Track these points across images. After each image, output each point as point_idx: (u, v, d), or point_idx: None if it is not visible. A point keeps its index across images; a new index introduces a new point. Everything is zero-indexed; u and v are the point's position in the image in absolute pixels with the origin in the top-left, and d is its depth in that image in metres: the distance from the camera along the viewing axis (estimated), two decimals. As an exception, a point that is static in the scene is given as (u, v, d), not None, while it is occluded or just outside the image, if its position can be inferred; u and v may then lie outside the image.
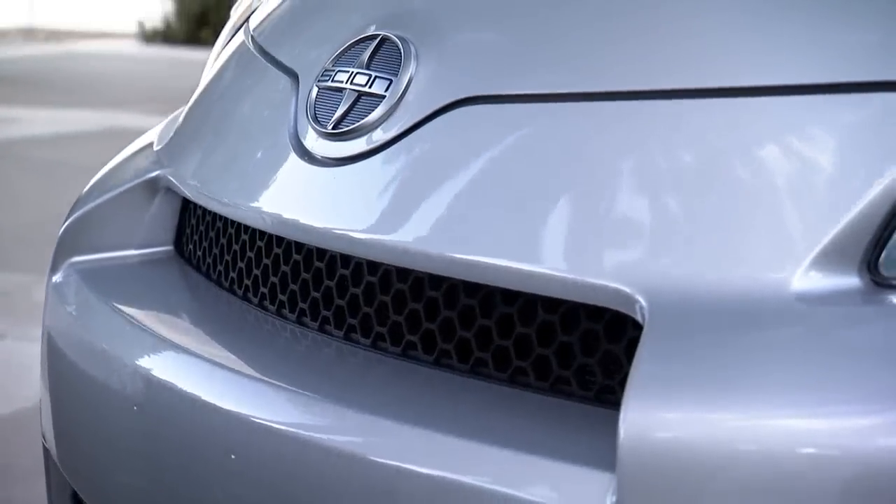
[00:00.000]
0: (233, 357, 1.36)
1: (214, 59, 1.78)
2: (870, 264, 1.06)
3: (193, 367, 1.36)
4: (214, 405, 1.29)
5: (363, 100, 1.35)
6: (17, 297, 4.06)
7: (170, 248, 1.68)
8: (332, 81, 1.39)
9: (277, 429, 1.24)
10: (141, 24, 15.74)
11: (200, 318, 1.50)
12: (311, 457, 1.20)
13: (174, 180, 1.60)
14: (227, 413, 1.27)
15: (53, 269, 1.68)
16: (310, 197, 1.36)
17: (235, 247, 1.50)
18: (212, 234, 1.56)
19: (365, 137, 1.33)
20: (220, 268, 1.53)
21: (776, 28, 1.16)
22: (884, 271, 1.06)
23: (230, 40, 1.76)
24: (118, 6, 16.32)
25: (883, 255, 1.06)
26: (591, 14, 1.28)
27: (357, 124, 1.33)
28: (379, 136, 1.32)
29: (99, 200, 1.68)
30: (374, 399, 1.23)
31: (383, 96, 1.33)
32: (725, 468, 1.00)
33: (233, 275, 1.50)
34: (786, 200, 1.09)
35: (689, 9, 1.23)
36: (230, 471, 1.26)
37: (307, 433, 1.22)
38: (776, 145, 1.12)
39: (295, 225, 1.36)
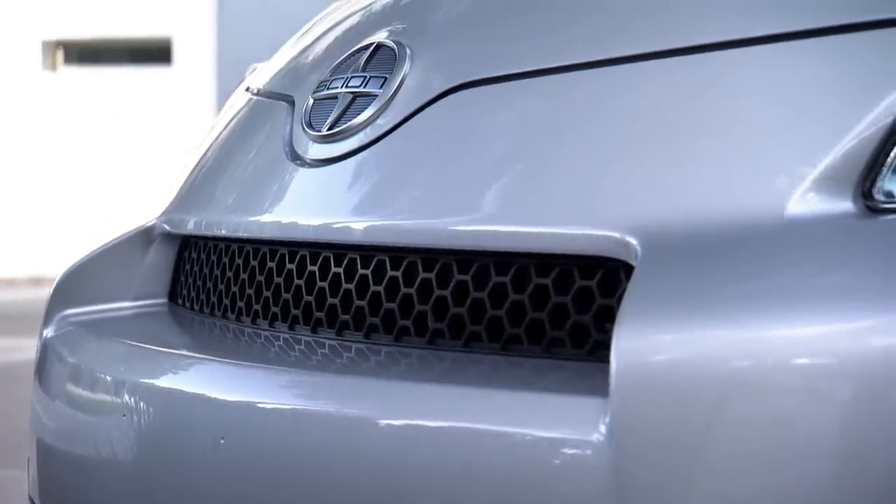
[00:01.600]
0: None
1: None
2: (864, 190, 1.05)
3: (193, 421, 1.32)
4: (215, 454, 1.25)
5: (358, 101, 1.36)
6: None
7: (164, 300, 1.67)
8: (327, 90, 1.41)
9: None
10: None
11: (200, 364, 1.47)
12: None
13: (168, 226, 1.60)
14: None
15: (46, 322, 1.67)
16: (305, 198, 1.37)
17: (243, 275, 1.47)
18: (216, 271, 1.54)
19: (360, 134, 1.34)
20: (226, 301, 1.50)
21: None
22: (877, 197, 1.05)
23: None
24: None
25: (877, 181, 1.05)
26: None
27: (351, 123, 1.35)
28: (373, 130, 1.33)
29: (93, 253, 1.68)
30: (383, 372, 1.22)
31: (377, 94, 1.34)
32: (717, 384, 0.99)
33: (240, 304, 1.47)
34: (781, 132, 1.10)
35: None
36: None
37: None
38: (768, 86, 1.13)
39: (292, 227, 1.36)
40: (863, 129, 1.06)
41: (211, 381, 1.31)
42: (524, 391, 1.10)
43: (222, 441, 1.25)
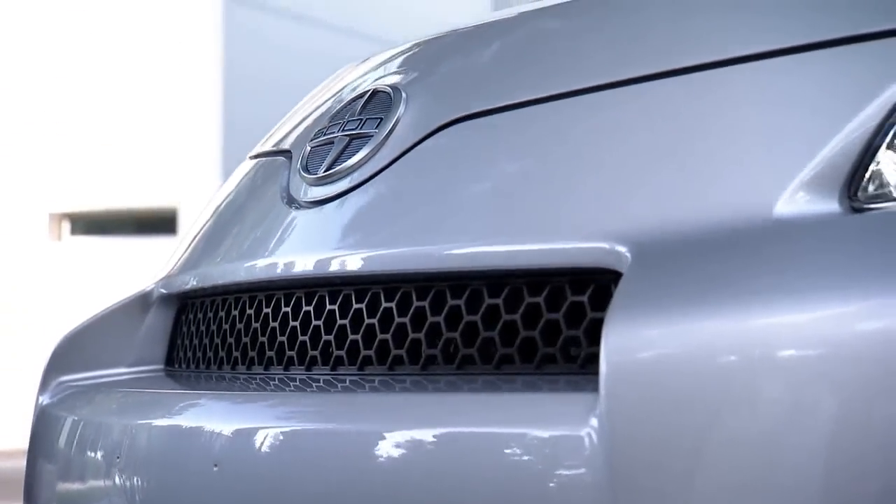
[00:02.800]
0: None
1: None
2: (850, 193, 1.07)
3: (189, 451, 1.33)
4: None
5: (354, 143, 1.39)
6: None
7: (161, 366, 1.67)
8: (325, 136, 1.43)
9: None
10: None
11: (192, 399, 1.48)
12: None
13: (165, 289, 1.62)
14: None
15: (42, 389, 1.67)
16: (300, 240, 1.39)
17: (239, 325, 1.48)
18: (213, 326, 1.54)
19: (356, 173, 1.36)
20: (222, 354, 1.50)
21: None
22: (862, 198, 1.07)
23: None
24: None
25: (861, 184, 1.07)
26: (551, 34, 1.36)
27: (346, 163, 1.37)
28: (370, 167, 1.35)
29: (91, 319, 1.69)
30: (378, 392, 1.23)
31: (373, 134, 1.37)
32: (705, 375, 0.99)
33: (236, 353, 1.47)
34: (768, 140, 1.12)
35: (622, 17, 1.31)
36: None
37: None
38: (753, 98, 1.16)
39: (288, 268, 1.37)
40: (847, 135, 1.08)
41: (203, 413, 1.31)
42: (519, 393, 1.10)
43: (216, 468, 1.24)
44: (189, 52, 13.30)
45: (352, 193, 1.35)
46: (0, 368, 13.46)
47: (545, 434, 1.05)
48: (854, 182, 1.08)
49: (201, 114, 12.99)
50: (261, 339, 1.43)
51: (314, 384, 1.32)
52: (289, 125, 1.65)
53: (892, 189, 1.07)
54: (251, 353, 1.45)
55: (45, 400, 1.66)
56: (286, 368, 1.39)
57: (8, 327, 13.63)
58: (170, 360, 1.67)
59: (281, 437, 1.22)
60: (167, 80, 13.40)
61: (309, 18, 12.86)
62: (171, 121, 13.35)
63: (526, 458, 1.06)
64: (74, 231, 14.04)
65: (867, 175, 1.08)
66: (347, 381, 1.29)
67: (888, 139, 1.08)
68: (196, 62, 13.27)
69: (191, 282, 1.56)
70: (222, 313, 1.52)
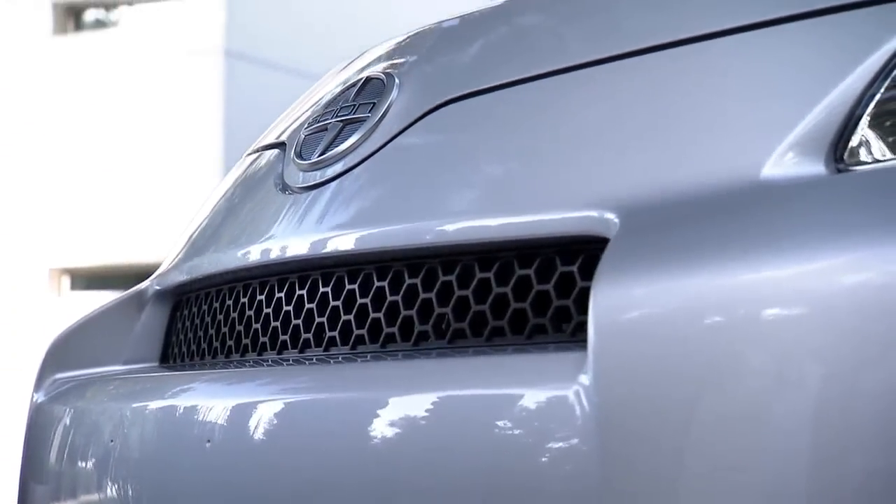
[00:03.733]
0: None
1: None
2: (836, 155, 1.08)
3: (182, 429, 1.34)
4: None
5: (347, 128, 1.40)
6: None
7: (155, 364, 1.68)
8: (318, 123, 1.45)
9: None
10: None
11: (183, 378, 1.48)
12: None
13: (159, 285, 1.63)
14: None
15: (38, 386, 1.67)
16: (294, 224, 1.40)
17: (233, 314, 1.49)
18: (207, 318, 1.55)
19: (349, 156, 1.38)
20: (216, 344, 1.51)
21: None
22: (847, 161, 1.08)
23: None
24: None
25: (847, 147, 1.09)
26: (537, 16, 1.39)
27: (340, 147, 1.38)
28: (363, 150, 1.37)
29: (86, 317, 1.70)
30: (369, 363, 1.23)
31: (366, 118, 1.38)
32: (692, 330, 1.00)
33: (230, 342, 1.48)
34: (755, 103, 1.13)
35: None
36: None
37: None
38: (741, 65, 1.17)
39: (281, 252, 1.38)
40: (832, 101, 1.10)
41: (194, 393, 1.32)
42: (508, 355, 1.11)
43: (208, 444, 1.25)
44: (190, 107, 13.36)
45: (345, 176, 1.37)
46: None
47: (535, 392, 1.06)
48: (839, 146, 1.09)
49: (201, 167, 13.03)
50: (254, 325, 1.44)
51: (306, 363, 1.33)
52: (284, 121, 1.66)
53: (874, 151, 1.08)
54: (245, 341, 1.45)
55: (40, 397, 1.66)
56: (279, 353, 1.40)
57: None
58: (165, 358, 1.68)
59: (272, 410, 1.23)
60: (167, 136, 13.45)
61: (307, 73, 12.93)
62: (171, 176, 13.39)
63: (517, 418, 1.06)
64: (74, 286, 14.06)
65: (852, 138, 1.09)
66: (340, 359, 1.30)
67: (872, 105, 1.09)
68: (196, 117, 13.33)
69: (185, 275, 1.57)
70: (216, 304, 1.53)
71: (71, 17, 14.59)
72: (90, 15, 14.72)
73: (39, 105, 14.05)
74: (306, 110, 1.58)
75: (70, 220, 13.78)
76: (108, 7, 14.64)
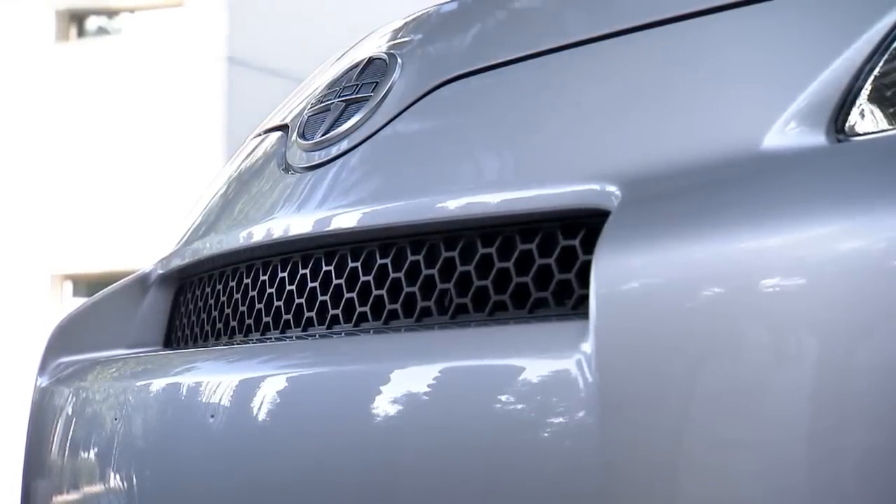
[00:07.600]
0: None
1: None
2: (836, 126, 1.09)
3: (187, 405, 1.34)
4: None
5: (350, 108, 1.41)
6: None
7: (159, 347, 1.68)
8: (321, 104, 1.45)
9: None
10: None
11: (187, 357, 1.49)
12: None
13: (162, 268, 1.63)
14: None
15: (41, 371, 1.68)
16: (297, 203, 1.40)
17: (236, 295, 1.50)
18: (210, 300, 1.56)
19: (353, 135, 1.39)
20: (219, 326, 1.52)
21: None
22: (847, 131, 1.09)
23: None
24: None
25: (847, 118, 1.09)
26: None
27: (343, 127, 1.39)
28: (366, 129, 1.38)
29: (90, 301, 1.70)
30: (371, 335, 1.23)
31: (368, 97, 1.39)
32: (692, 297, 1.01)
33: (233, 323, 1.49)
34: (756, 75, 1.14)
35: None
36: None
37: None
38: (743, 37, 1.18)
39: (284, 231, 1.39)
40: (833, 72, 1.10)
41: (197, 370, 1.33)
42: (510, 326, 1.12)
43: (212, 419, 1.26)
44: (192, 114, 13.37)
45: (348, 155, 1.37)
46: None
47: (537, 363, 1.07)
48: (840, 117, 1.09)
49: (203, 173, 13.03)
50: (258, 306, 1.45)
51: (309, 339, 1.33)
52: (287, 105, 1.67)
53: (875, 122, 1.08)
54: (248, 321, 1.46)
55: (43, 381, 1.67)
56: (282, 331, 1.40)
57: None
58: (168, 341, 1.68)
59: (276, 384, 1.24)
60: (170, 142, 13.46)
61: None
62: (173, 182, 13.39)
63: (519, 388, 1.07)
64: (76, 292, 14.06)
65: (852, 110, 1.10)
66: (343, 335, 1.31)
67: (872, 77, 1.10)
68: (199, 123, 13.34)
69: (188, 258, 1.57)
70: (220, 286, 1.54)
71: (73, 24, 14.61)
72: (92, 22, 14.74)
73: (42, 111, 14.06)
74: (308, 94, 1.59)
75: (72, 226, 13.79)
76: (110, 14, 14.65)
